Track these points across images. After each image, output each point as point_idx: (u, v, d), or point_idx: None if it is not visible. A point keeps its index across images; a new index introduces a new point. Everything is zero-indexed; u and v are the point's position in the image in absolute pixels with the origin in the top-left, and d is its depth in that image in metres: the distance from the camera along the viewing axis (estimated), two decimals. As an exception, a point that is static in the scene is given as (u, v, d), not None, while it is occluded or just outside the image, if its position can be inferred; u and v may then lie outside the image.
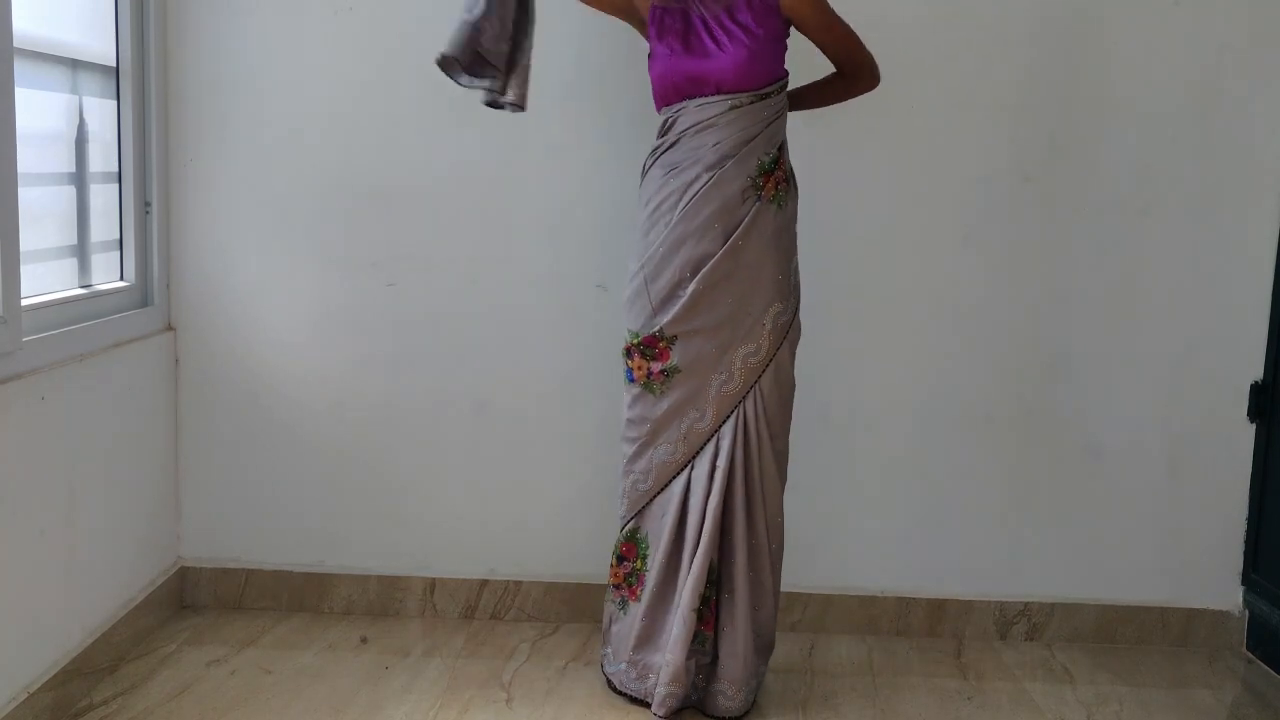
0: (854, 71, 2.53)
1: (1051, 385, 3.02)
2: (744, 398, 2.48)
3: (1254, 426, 3.01)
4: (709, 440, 2.49)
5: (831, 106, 2.63)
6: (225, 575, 3.09)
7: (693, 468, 2.51)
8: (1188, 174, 2.95)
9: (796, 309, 2.53)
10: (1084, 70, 2.93)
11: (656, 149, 2.52)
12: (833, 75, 2.57)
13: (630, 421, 2.57)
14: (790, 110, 2.54)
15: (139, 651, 2.79)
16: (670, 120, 2.49)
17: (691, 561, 2.50)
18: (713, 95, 2.42)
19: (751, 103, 2.42)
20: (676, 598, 2.52)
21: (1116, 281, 2.99)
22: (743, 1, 2.42)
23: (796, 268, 2.54)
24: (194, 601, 3.09)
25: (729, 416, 2.48)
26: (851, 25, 2.49)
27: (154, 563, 2.97)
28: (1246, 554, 3.04)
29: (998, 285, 2.99)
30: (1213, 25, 2.90)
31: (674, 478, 2.52)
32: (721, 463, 2.48)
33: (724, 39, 2.40)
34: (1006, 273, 2.99)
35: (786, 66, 2.50)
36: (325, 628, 3.00)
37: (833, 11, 2.47)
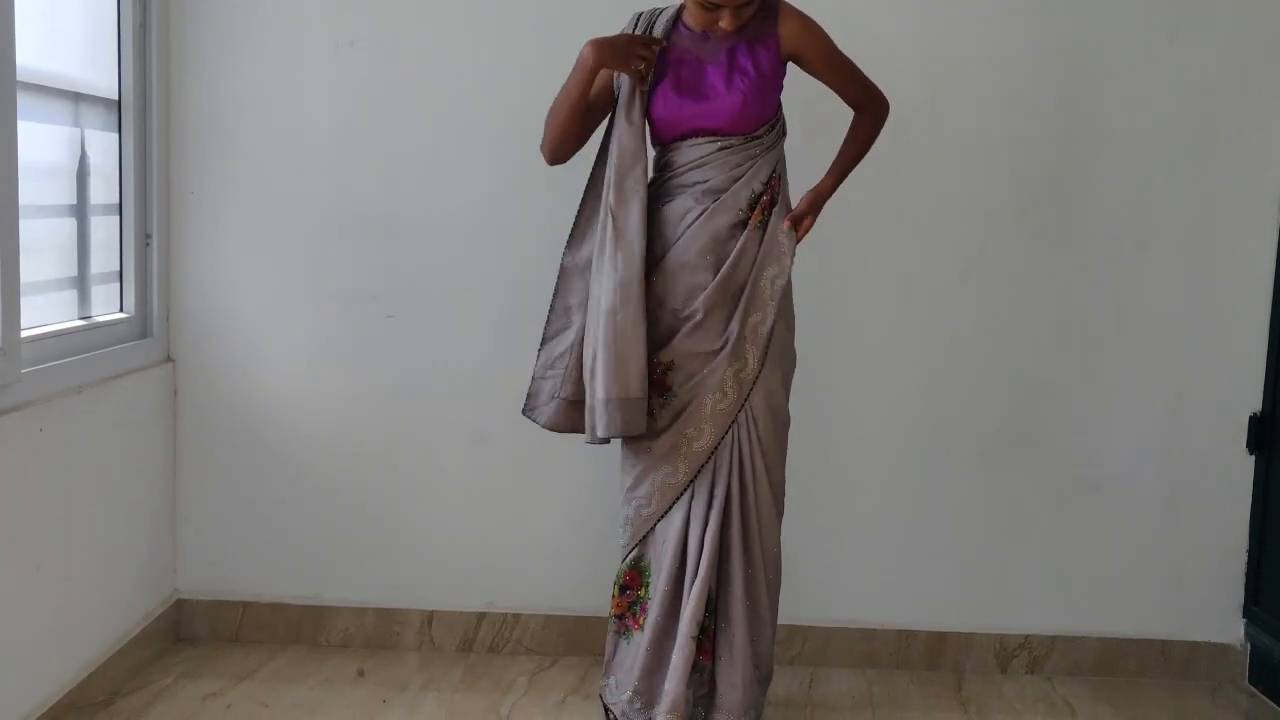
0: (870, 102, 2.54)
1: (1050, 418, 3.02)
2: (738, 415, 2.48)
3: (1253, 458, 3.01)
4: (707, 460, 2.50)
5: (849, 162, 2.59)
6: (222, 608, 3.07)
7: (693, 493, 2.51)
8: (1184, 207, 2.97)
9: (790, 329, 2.54)
10: (1081, 105, 2.95)
11: (653, 183, 2.54)
12: (854, 121, 2.57)
13: (630, 449, 2.58)
14: (839, 179, 2.55)
15: (134, 685, 2.78)
16: (666, 159, 2.53)
17: (692, 588, 2.49)
18: (705, 137, 2.45)
19: (743, 144, 2.45)
20: (680, 626, 2.51)
21: (1115, 314, 2.99)
22: (743, 45, 2.44)
23: (787, 287, 2.54)
24: (190, 634, 3.07)
25: (725, 435, 2.48)
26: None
27: (150, 595, 2.96)
28: (1248, 586, 3.03)
29: (996, 318, 3.00)
30: (1208, 60, 2.92)
31: (676, 501, 2.52)
32: (719, 490, 2.49)
33: (720, 85, 2.43)
34: (1005, 305, 3.00)
35: (785, 110, 2.53)
36: (322, 660, 2.99)
37: (836, 46, 2.49)
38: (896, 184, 2.95)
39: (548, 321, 2.63)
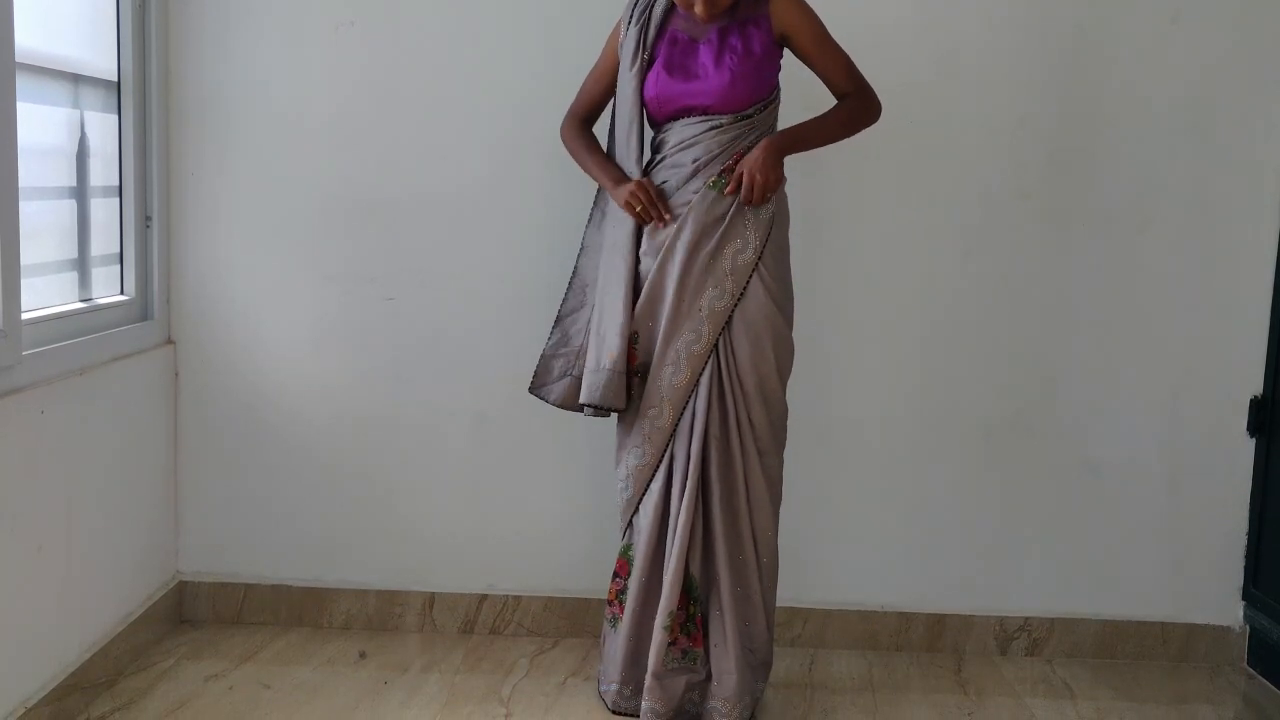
0: (857, 93, 2.50)
1: (1051, 400, 3.02)
2: (694, 391, 2.47)
3: (1253, 441, 3.01)
4: (670, 440, 2.50)
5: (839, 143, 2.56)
6: (224, 590, 3.08)
7: (670, 476, 2.51)
8: (1186, 189, 2.96)
9: (788, 321, 2.52)
10: (1083, 87, 2.94)
11: (648, 165, 2.55)
12: (838, 102, 2.53)
13: (617, 430, 2.60)
14: (802, 149, 2.48)
15: (137, 666, 2.79)
16: (660, 139, 2.54)
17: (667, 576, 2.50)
18: (698, 116, 2.45)
19: (733, 123, 2.45)
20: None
21: (1116, 296, 2.99)
22: (735, 24, 2.44)
23: (774, 272, 2.50)
24: (192, 616, 3.08)
25: (682, 412, 2.48)
26: (851, 46, 2.51)
27: (152, 577, 2.96)
28: (1247, 569, 3.04)
29: (998, 300, 3.00)
30: (1210, 42, 2.91)
31: (649, 483, 2.53)
32: (678, 470, 2.49)
33: (709, 63, 2.43)
34: (1006, 288, 2.99)
35: (783, 100, 2.53)
36: (324, 642, 2.99)
37: (828, 32, 2.48)
38: (898, 165, 2.95)
39: (564, 299, 2.65)
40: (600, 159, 2.58)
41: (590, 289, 2.61)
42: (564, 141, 2.66)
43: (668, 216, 2.45)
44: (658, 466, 2.52)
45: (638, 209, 2.45)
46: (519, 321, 2.99)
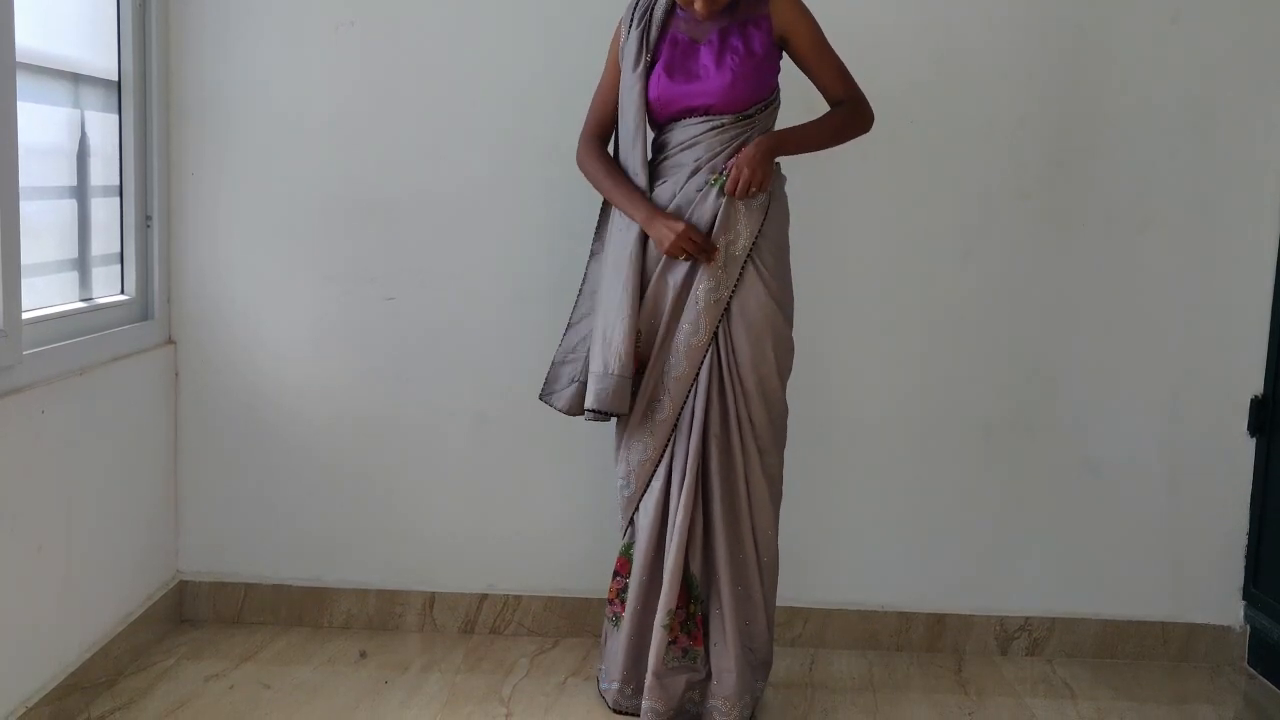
0: (850, 101, 2.51)
1: (1051, 400, 3.02)
2: (694, 385, 2.48)
3: (1254, 441, 3.01)
4: (671, 434, 2.50)
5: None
6: (224, 589, 3.08)
7: (670, 473, 2.51)
8: (1186, 189, 2.96)
9: (788, 320, 2.52)
10: (1083, 87, 2.94)
11: (650, 164, 2.54)
12: (831, 109, 2.53)
13: (616, 427, 2.60)
14: (792, 151, 2.49)
15: (137, 666, 2.79)
16: (661, 140, 2.54)
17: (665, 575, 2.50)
18: (700, 117, 2.45)
19: (734, 123, 2.45)
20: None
21: (1116, 296, 2.99)
22: (736, 24, 2.44)
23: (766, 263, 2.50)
24: (193, 616, 3.08)
25: (684, 404, 2.49)
26: (851, 47, 2.51)
27: (152, 577, 2.96)
28: (1247, 569, 3.04)
29: (998, 300, 3.00)
30: (1211, 42, 2.91)
31: (651, 480, 2.53)
32: (677, 467, 2.49)
33: (710, 64, 2.43)
34: (1006, 288, 3.00)
35: (783, 100, 2.53)
36: (324, 642, 2.99)
37: (825, 38, 2.49)
38: (898, 165, 2.95)
39: (574, 306, 2.65)
40: (628, 189, 2.51)
41: (598, 295, 2.61)
42: (581, 166, 2.60)
43: (717, 255, 2.44)
44: (659, 461, 2.52)
45: (683, 257, 2.44)
46: (519, 321, 2.99)
